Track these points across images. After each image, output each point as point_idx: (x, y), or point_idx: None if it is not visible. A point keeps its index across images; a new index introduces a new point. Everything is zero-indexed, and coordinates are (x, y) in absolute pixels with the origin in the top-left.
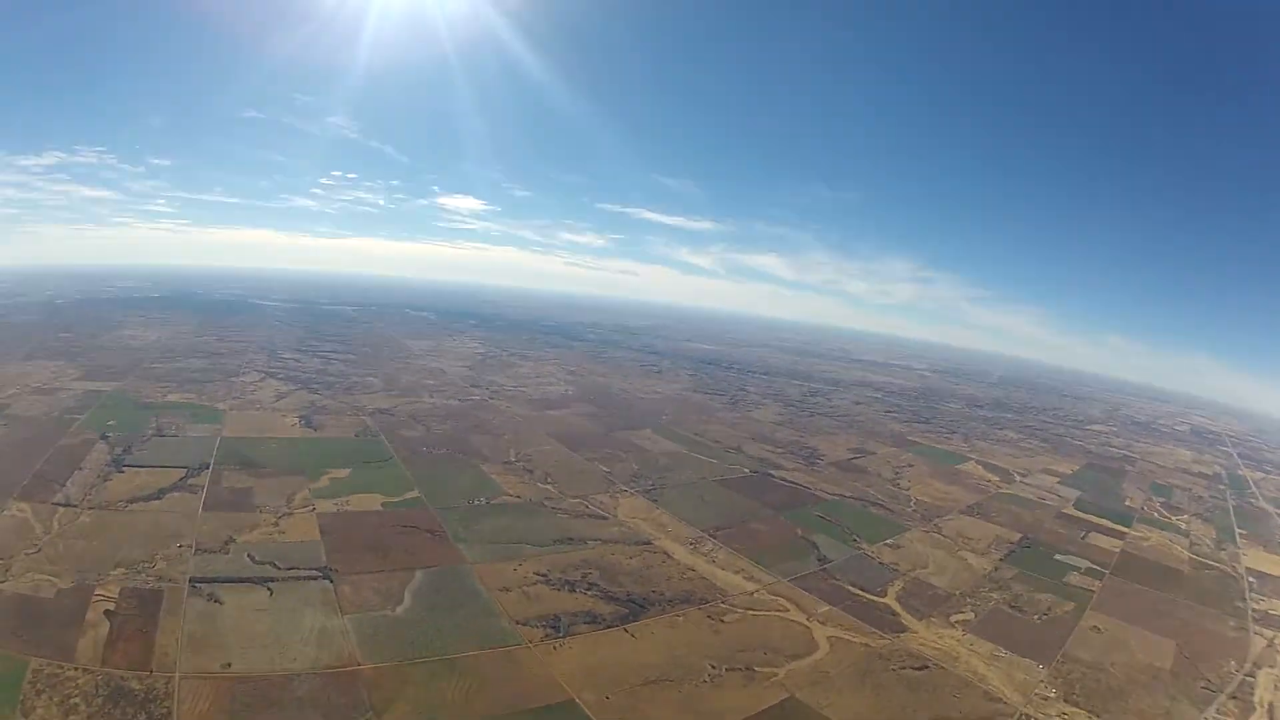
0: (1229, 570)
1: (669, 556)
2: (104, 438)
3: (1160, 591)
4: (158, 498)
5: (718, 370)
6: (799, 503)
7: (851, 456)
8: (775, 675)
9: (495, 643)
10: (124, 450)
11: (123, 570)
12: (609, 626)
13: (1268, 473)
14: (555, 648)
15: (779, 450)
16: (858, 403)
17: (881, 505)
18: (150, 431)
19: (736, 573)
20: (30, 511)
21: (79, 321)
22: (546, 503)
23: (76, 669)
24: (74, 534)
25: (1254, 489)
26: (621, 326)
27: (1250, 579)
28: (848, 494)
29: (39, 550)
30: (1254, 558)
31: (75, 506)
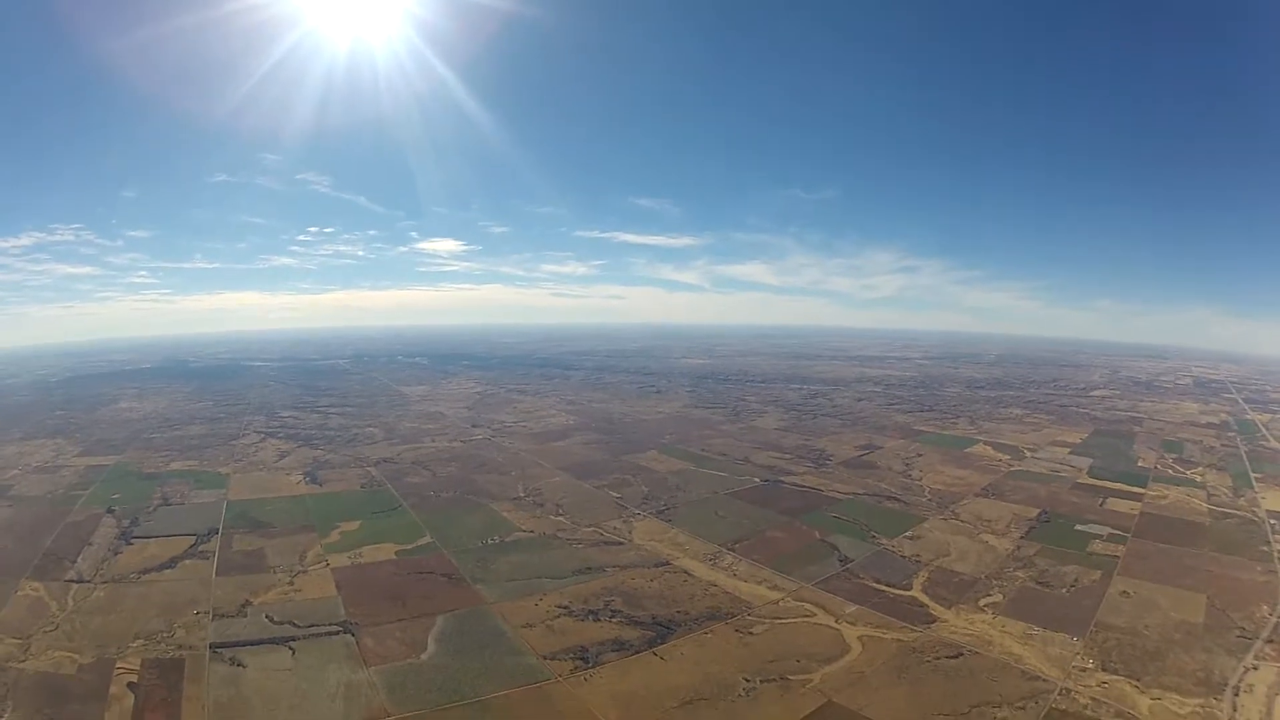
0: (1250, 515)
1: (689, 575)
2: (110, 511)
3: (1184, 547)
4: (170, 567)
5: (715, 383)
6: (813, 506)
7: (860, 453)
8: (810, 681)
9: (524, 680)
10: (131, 522)
11: (142, 641)
12: (637, 651)
13: (1275, 414)
14: (586, 679)
15: (787, 456)
16: (859, 399)
17: (896, 498)
18: (156, 502)
19: (759, 583)
20: (44, 590)
21: (73, 398)
22: (560, 535)
23: None
24: (90, 609)
25: (1264, 431)
26: (614, 351)
27: (1272, 521)
28: (861, 491)
29: (56, 628)
30: (1273, 499)
31: (88, 582)
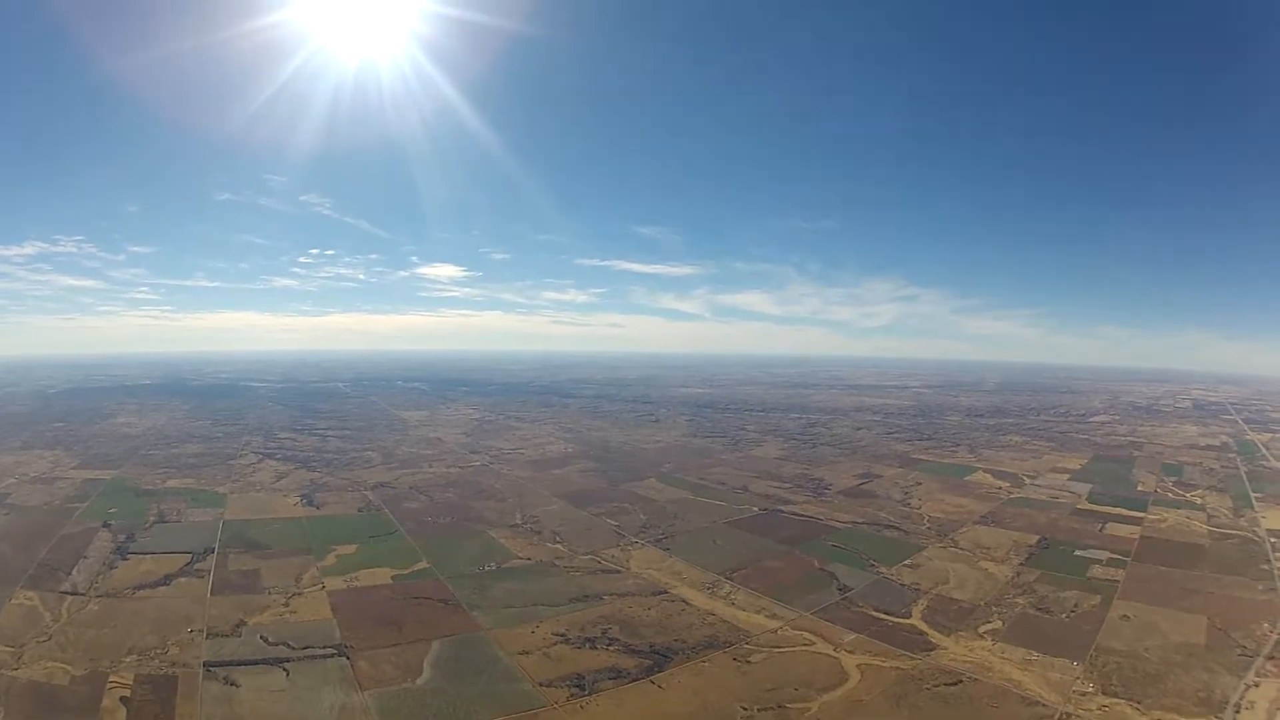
0: (1250, 536)
1: (687, 604)
2: (106, 525)
3: (1184, 570)
4: (165, 583)
5: (714, 413)
6: (812, 535)
7: (859, 482)
8: (809, 710)
9: (520, 707)
10: (127, 538)
11: (135, 657)
12: (634, 680)
13: (1275, 433)
14: (582, 706)
15: (786, 485)
16: (858, 428)
17: (895, 527)
18: (152, 518)
19: (758, 612)
20: (38, 600)
21: (72, 411)
22: (557, 562)
23: None
24: (83, 622)
25: (1264, 451)
26: (614, 380)
27: (1272, 540)
28: (860, 520)
29: (49, 638)
30: (1273, 518)
31: (83, 595)
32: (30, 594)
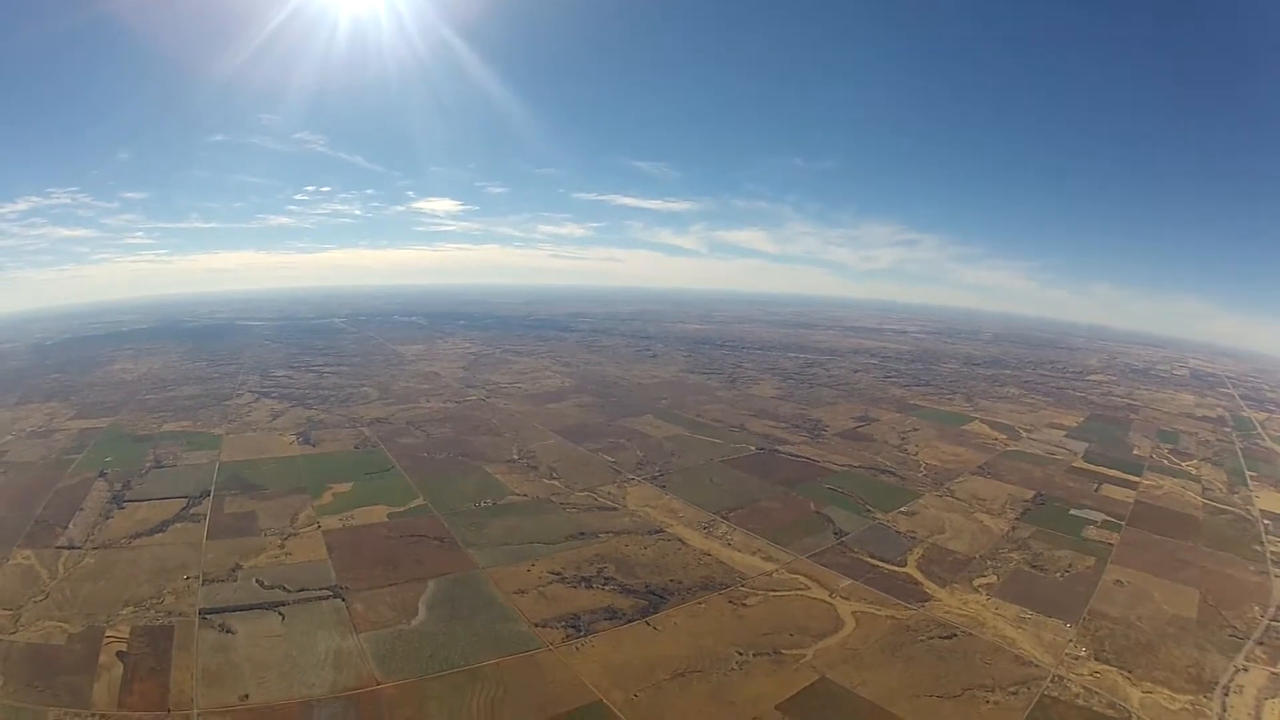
0: (1244, 513)
1: (683, 543)
2: (102, 475)
3: (1178, 540)
4: (161, 530)
5: (711, 349)
6: (808, 477)
7: (856, 425)
8: (804, 656)
9: (516, 648)
10: (123, 486)
11: (132, 609)
12: (629, 621)
13: (1272, 412)
14: (577, 648)
15: (782, 425)
16: (855, 370)
17: (891, 473)
18: (148, 464)
19: (753, 554)
20: (35, 558)
21: (69, 361)
22: (554, 499)
23: (94, 715)
24: (80, 576)
25: (1260, 430)
26: (610, 314)
27: (1265, 521)
28: (856, 464)
29: (47, 597)
30: (1267, 499)
31: (79, 548)
32: (28, 552)
